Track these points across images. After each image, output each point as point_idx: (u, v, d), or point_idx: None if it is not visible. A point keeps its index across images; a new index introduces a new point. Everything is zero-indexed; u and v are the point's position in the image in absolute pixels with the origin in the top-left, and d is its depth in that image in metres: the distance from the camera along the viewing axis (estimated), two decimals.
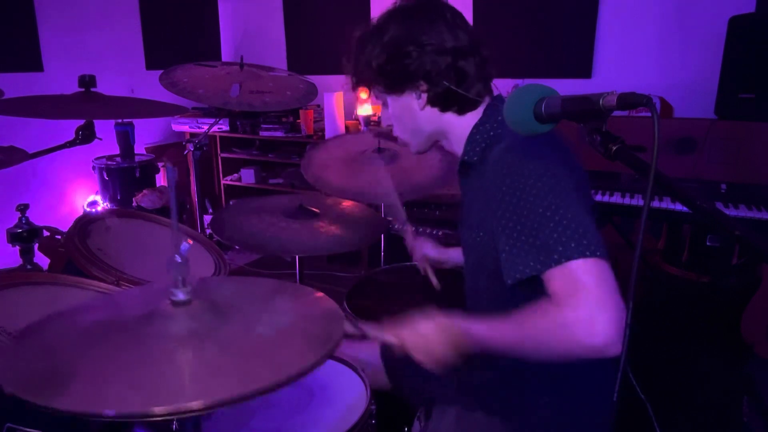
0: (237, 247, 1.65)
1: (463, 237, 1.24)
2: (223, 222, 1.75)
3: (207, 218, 3.26)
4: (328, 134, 3.87)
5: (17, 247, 2.33)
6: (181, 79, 2.03)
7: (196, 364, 0.79)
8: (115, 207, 3.43)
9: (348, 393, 1.26)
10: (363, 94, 3.75)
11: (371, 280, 1.93)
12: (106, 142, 2.66)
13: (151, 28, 4.07)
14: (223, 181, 4.46)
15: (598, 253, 0.88)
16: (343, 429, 1.12)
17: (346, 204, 1.94)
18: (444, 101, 1.16)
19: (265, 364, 0.77)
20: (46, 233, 2.33)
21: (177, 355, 0.80)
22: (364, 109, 3.87)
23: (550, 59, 3.51)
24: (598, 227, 0.93)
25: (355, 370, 1.32)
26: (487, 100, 1.18)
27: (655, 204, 2.44)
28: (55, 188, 3.62)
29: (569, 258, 0.88)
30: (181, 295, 0.85)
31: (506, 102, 0.91)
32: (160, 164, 3.73)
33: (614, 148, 0.79)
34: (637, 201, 2.51)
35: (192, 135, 3.94)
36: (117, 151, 3.60)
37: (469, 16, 3.62)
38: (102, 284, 1.45)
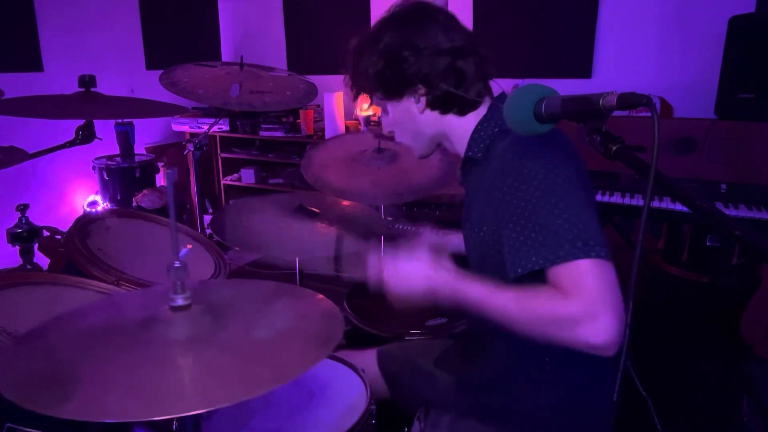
0: (237, 248, 1.65)
1: (466, 234, 1.24)
2: (223, 222, 1.75)
3: (207, 218, 3.26)
4: (328, 134, 3.87)
5: (17, 247, 2.33)
6: (181, 79, 2.03)
7: (196, 369, 0.79)
8: (115, 207, 3.43)
9: (348, 393, 1.26)
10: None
11: None
12: (106, 142, 2.66)
13: (151, 28, 4.07)
14: (223, 181, 4.46)
15: (603, 254, 0.90)
16: (343, 429, 1.12)
17: (346, 204, 1.94)
18: (443, 103, 1.16)
19: (265, 367, 0.77)
20: (46, 233, 2.33)
21: (177, 360, 0.80)
22: (364, 109, 3.88)
23: (550, 59, 3.51)
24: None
25: (355, 370, 1.32)
26: (488, 99, 1.19)
27: (655, 204, 2.44)
28: (55, 188, 3.62)
29: (576, 257, 0.89)
30: (180, 301, 0.85)
31: (506, 102, 0.91)
32: (160, 164, 3.73)
33: (614, 148, 0.79)
34: (637, 201, 2.51)
35: (192, 135, 3.94)
36: (117, 151, 3.60)
37: (469, 16, 3.65)
38: (102, 284, 1.44)
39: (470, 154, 1.17)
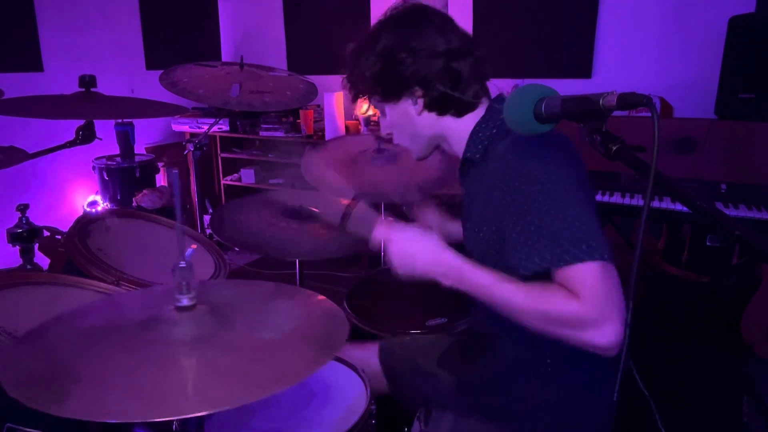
0: (237, 249, 1.65)
1: (466, 234, 1.24)
2: (223, 222, 1.75)
3: (207, 218, 3.26)
4: (328, 134, 3.87)
5: (17, 247, 2.33)
6: (181, 79, 2.03)
7: (198, 370, 0.79)
8: (115, 207, 3.43)
9: (348, 393, 1.26)
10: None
11: (371, 280, 1.93)
12: (106, 142, 2.66)
13: (151, 28, 4.07)
14: (223, 181, 4.46)
15: (606, 256, 0.91)
16: (343, 429, 1.12)
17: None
18: (440, 105, 1.17)
19: (269, 371, 0.77)
20: (46, 233, 2.33)
21: (180, 360, 0.80)
22: (364, 110, 3.87)
23: (550, 59, 3.51)
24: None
25: (355, 370, 1.32)
26: (485, 101, 1.19)
27: (655, 204, 2.44)
28: (55, 188, 3.62)
29: (581, 260, 0.91)
30: (185, 301, 0.85)
31: (506, 102, 0.91)
32: (160, 164, 3.73)
33: (614, 148, 0.79)
34: (637, 201, 2.51)
35: (192, 135, 3.94)
36: (117, 151, 3.60)
37: (469, 16, 3.65)
38: (102, 284, 1.44)
39: (468, 155, 1.17)
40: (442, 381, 1.30)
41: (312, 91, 2.19)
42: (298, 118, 4.06)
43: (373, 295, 1.80)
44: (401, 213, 1.56)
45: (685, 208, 2.17)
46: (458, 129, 1.18)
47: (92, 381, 0.74)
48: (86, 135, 1.89)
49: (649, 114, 1.77)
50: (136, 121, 3.58)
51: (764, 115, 2.46)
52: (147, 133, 4.11)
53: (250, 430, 1.16)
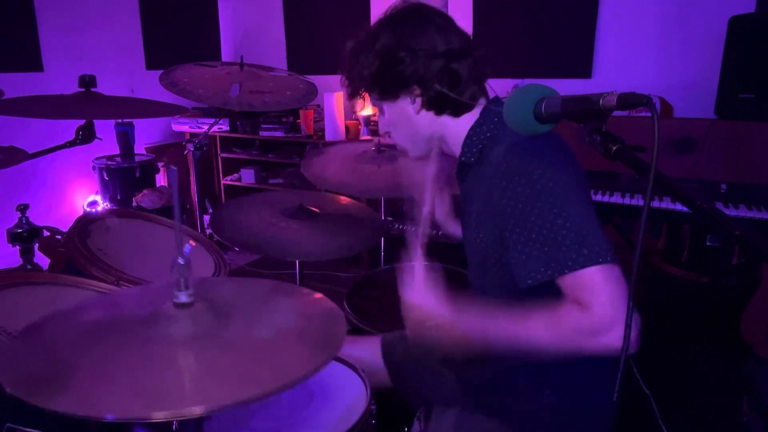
0: (237, 249, 1.65)
1: (464, 237, 1.24)
2: (223, 221, 1.75)
3: (207, 218, 3.26)
4: (328, 134, 3.87)
5: (17, 247, 2.33)
6: (181, 79, 2.03)
7: (197, 367, 0.79)
8: (115, 207, 3.43)
9: (348, 393, 1.26)
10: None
11: (371, 280, 1.93)
12: (106, 142, 2.66)
13: (151, 28, 4.07)
14: (223, 181, 4.46)
15: (608, 259, 0.91)
16: (343, 429, 1.12)
17: (346, 205, 1.94)
18: (438, 104, 1.17)
19: (267, 369, 0.77)
20: (46, 233, 2.33)
21: (178, 357, 0.80)
22: (364, 110, 3.87)
23: (550, 59, 3.51)
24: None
25: (355, 370, 1.32)
26: (482, 101, 1.19)
27: (655, 204, 2.44)
28: (55, 188, 3.62)
29: (584, 265, 0.90)
30: (183, 298, 0.85)
31: (506, 102, 0.91)
32: (160, 164, 3.73)
33: (614, 148, 0.79)
34: (637, 201, 2.51)
35: (192, 135, 3.94)
36: (117, 151, 3.60)
37: (469, 16, 3.65)
38: (102, 284, 1.45)
39: (463, 159, 1.17)
40: (442, 380, 1.30)
41: (312, 91, 2.19)
42: (298, 118, 4.06)
43: (373, 295, 1.80)
44: (401, 212, 1.55)
45: (685, 208, 2.17)
46: (456, 129, 1.18)
47: (90, 377, 0.74)
48: (86, 135, 1.89)
49: (649, 114, 1.77)
50: (136, 121, 3.58)
51: (764, 115, 2.46)
52: (147, 133, 4.11)
53: (250, 430, 1.15)
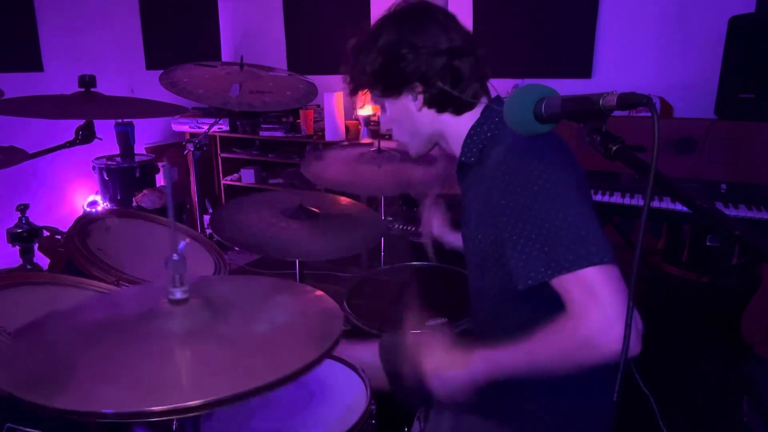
0: (237, 248, 1.65)
1: (464, 237, 1.24)
2: (223, 221, 1.75)
3: (207, 218, 3.26)
4: (328, 134, 3.87)
5: (17, 247, 2.33)
6: (181, 79, 2.03)
7: (194, 363, 0.79)
8: (115, 207, 3.43)
9: (348, 393, 1.26)
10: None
11: (371, 280, 1.92)
12: (106, 142, 2.66)
13: (151, 28, 4.08)
14: (223, 181, 4.46)
15: (607, 259, 0.90)
16: (343, 429, 1.12)
17: (346, 205, 1.94)
18: (440, 102, 1.17)
19: (263, 363, 0.77)
20: (46, 233, 2.33)
21: (175, 353, 0.80)
22: (365, 110, 3.88)
23: (550, 59, 3.52)
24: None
25: (355, 370, 1.32)
26: (484, 100, 1.19)
27: (655, 204, 2.44)
28: (55, 188, 3.62)
29: (581, 266, 0.89)
30: (178, 294, 0.85)
31: (506, 102, 0.91)
32: (160, 164, 3.73)
33: (614, 148, 0.79)
34: (637, 201, 2.51)
35: (192, 135, 3.95)
36: (117, 151, 3.60)
37: (469, 16, 3.65)
38: (102, 284, 1.44)
39: (463, 159, 1.17)
40: None
41: (312, 91, 2.18)
42: (298, 118, 4.06)
43: (373, 295, 1.80)
44: (402, 211, 1.56)
45: (685, 208, 2.17)
46: (457, 128, 1.18)
47: (90, 375, 0.74)
48: (86, 135, 1.89)
49: (649, 114, 1.77)
50: (136, 121, 3.58)
51: (764, 115, 2.46)
52: (147, 133, 4.12)
53: (249, 430, 1.15)
